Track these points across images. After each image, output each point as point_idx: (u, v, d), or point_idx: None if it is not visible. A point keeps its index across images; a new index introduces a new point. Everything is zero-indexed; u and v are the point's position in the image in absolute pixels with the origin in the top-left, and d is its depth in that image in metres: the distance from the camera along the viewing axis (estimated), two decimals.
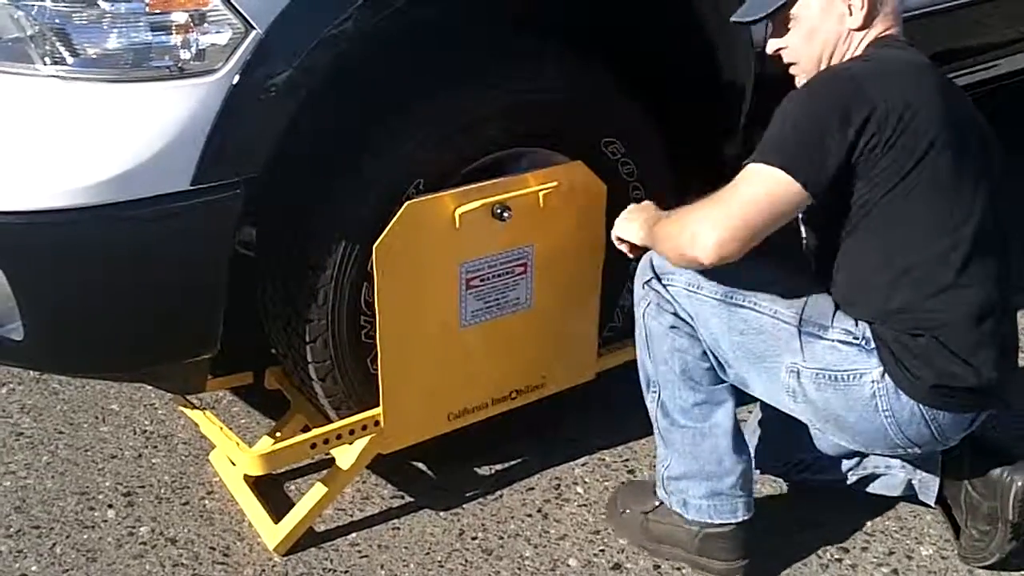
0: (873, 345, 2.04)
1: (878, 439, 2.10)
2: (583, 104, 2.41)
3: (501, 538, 2.46)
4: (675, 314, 2.17)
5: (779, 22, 2.14)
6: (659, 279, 2.18)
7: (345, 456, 2.42)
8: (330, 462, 2.50)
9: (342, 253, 2.22)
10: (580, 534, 2.47)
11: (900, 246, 2.01)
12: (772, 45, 2.17)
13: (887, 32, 2.09)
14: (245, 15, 1.89)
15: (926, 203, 1.98)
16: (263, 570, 2.36)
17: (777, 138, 1.99)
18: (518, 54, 2.34)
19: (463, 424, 2.48)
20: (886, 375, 2.03)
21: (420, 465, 2.67)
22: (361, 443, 2.38)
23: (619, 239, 2.29)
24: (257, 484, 2.57)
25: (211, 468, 2.66)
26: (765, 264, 2.12)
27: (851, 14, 2.06)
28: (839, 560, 2.38)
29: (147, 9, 1.87)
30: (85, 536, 2.45)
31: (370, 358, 2.35)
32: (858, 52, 2.10)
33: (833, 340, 2.07)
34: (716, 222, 1.96)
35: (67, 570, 2.35)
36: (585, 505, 2.56)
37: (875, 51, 2.08)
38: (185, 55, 1.90)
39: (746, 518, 2.26)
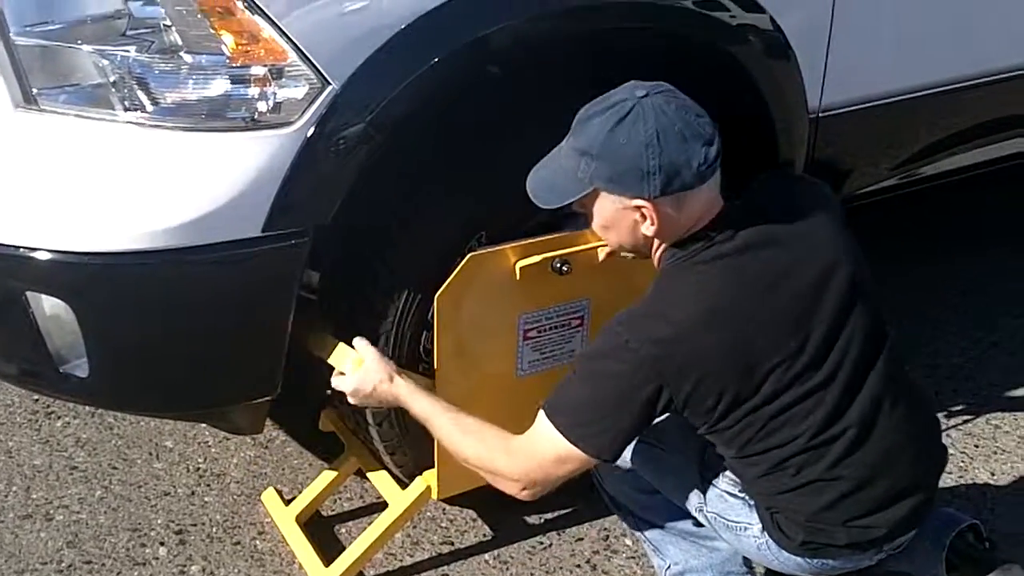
0: (753, 502, 2.01)
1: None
2: None
3: None
4: None
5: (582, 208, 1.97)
6: None
7: (398, 502, 2.43)
8: (382, 505, 2.52)
9: (404, 301, 2.25)
10: None
11: (742, 452, 1.92)
12: (588, 223, 2.02)
13: (700, 226, 1.90)
14: (322, 71, 1.92)
15: (758, 424, 1.88)
16: None
17: (568, 411, 1.89)
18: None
19: None
20: (765, 532, 2.00)
21: (471, 512, 2.68)
22: (415, 489, 2.40)
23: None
24: (308, 526, 2.59)
25: (263, 508, 2.68)
26: None
27: (645, 221, 1.88)
28: None
29: (228, 62, 1.92)
30: (136, 574, 2.48)
31: None
32: (663, 253, 1.95)
33: (722, 490, 2.06)
34: (521, 477, 1.95)
35: None
36: (634, 558, 2.56)
37: (674, 269, 1.92)
38: (262, 107, 1.94)
39: None
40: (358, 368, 2.11)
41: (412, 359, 2.31)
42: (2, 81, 1.98)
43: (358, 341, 2.12)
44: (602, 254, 2.31)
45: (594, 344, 1.95)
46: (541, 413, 1.92)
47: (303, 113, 1.95)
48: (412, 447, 2.42)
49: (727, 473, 2.03)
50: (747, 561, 2.22)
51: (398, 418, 2.37)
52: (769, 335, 1.83)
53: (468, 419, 2.02)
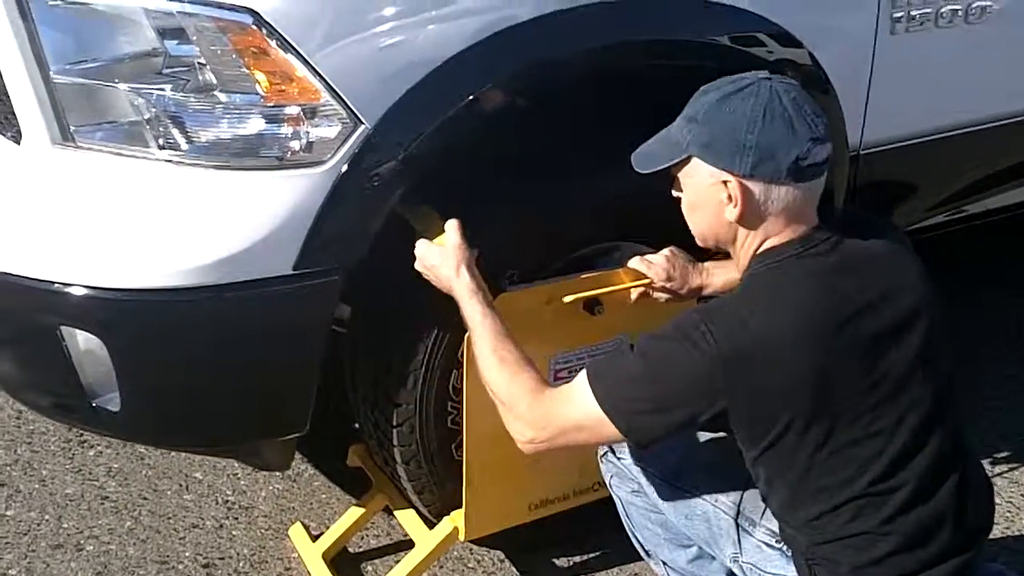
0: (791, 553, 1.93)
1: None
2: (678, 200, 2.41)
3: None
4: (636, 480, 2.12)
5: (676, 177, 1.91)
6: (613, 452, 2.14)
7: (425, 541, 2.42)
8: (409, 543, 2.51)
9: (434, 340, 2.24)
10: None
11: (796, 488, 1.83)
12: (674, 191, 1.94)
13: (791, 235, 1.82)
14: (355, 110, 1.93)
15: (816, 457, 1.78)
16: None
17: (616, 381, 1.80)
18: (617, 151, 2.35)
19: (544, 515, 2.48)
20: None
21: (498, 553, 2.66)
22: (442, 529, 2.39)
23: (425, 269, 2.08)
24: (335, 562, 2.58)
25: (290, 543, 2.68)
26: (708, 443, 2.08)
27: (730, 204, 1.80)
28: None
29: (261, 101, 1.93)
30: None
31: (455, 444, 2.36)
32: (751, 253, 1.85)
33: (759, 540, 1.97)
34: (534, 424, 1.87)
35: None
36: None
37: (765, 274, 1.82)
38: (295, 146, 1.95)
39: None
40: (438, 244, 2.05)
41: (441, 398, 2.31)
42: (40, 118, 2.00)
43: (450, 222, 2.05)
44: (635, 294, 2.29)
45: (665, 327, 1.82)
46: (581, 375, 1.83)
47: (335, 152, 1.96)
48: (440, 486, 2.41)
49: (765, 523, 1.97)
50: None
51: (426, 457, 2.36)
52: (846, 366, 1.75)
53: (510, 349, 1.92)
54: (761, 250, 1.84)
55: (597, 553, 2.67)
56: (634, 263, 2.29)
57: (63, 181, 2.03)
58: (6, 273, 2.05)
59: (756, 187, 1.78)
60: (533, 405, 1.86)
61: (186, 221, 1.97)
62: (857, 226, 1.89)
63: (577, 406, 1.82)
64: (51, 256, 2.02)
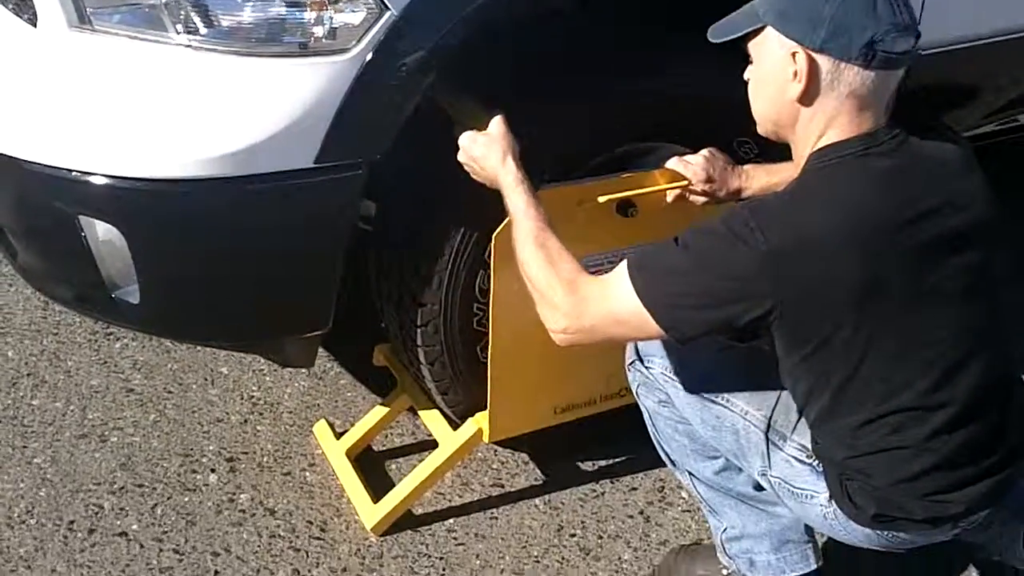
0: (822, 468, 1.87)
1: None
2: (717, 101, 2.32)
3: (600, 538, 2.42)
4: (663, 390, 2.05)
5: (749, 47, 1.83)
6: (641, 360, 2.06)
7: (449, 442, 2.39)
8: (432, 444, 2.48)
9: (461, 239, 2.19)
10: (682, 541, 2.41)
11: (837, 396, 1.76)
12: (746, 72, 1.86)
13: (855, 130, 1.72)
14: None
15: (861, 365, 1.71)
16: (358, 549, 2.36)
17: (658, 273, 1.73)
18: (652, 48, 2.26)
19: (569, 418, 2.44)
20: (833, 501, 1.86)
21: (523, 455, 2.64)
22: (466, 430, 2.36)
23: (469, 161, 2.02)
24: (358, 460, 2.57)
25: (314, 440, 2.66)
26: (740, 354, 2.01)
27: (795, 80, 1.71)
28: None
29: None
30: (186, 499, 2.47)
31: (480, 346, 2.32)
32: (811, 146, 1.76)
33: (789, 455, 1.91)
34: (569, 314, 1.79)
35: (166, 531, 2.38)
36: (689, 511, 2.50)
37: (823, 171, 1.73)
38: (318, 32, 1.88)
39: (819, 565, 2.13)
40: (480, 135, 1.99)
41: (467, 299, 2.26)
42: (57, 1, 1.93)
43: (496, 118, 1.98)
44: (671, 196, 2.22)
45: (712, 221, 1.73)
46: (621, 266, 1.75)
47: (360, 39, 1.88)
48: (465, 388, 2.37)
49: (795, 438, 1.91)
50: (808, 530, 2.12)
51: (451, 358, 2.32)
52: (899, 272, 1.68)
53: (551, 239, 1.86)
54: (821, 144, 1.75)
55: (622, 459, 2.63)
56: (672, 163, 2.22)
57: (80, 66, 1.97)
58: (24, 160, 2.00)
59: (824, 63, 1.69)
60: (570, 294, 1.80)
61: (205, 109, 1.91)
62: (925, 132, 1.79)
63: (615, 298, 1.75)
64: (69, 144, 1.97)
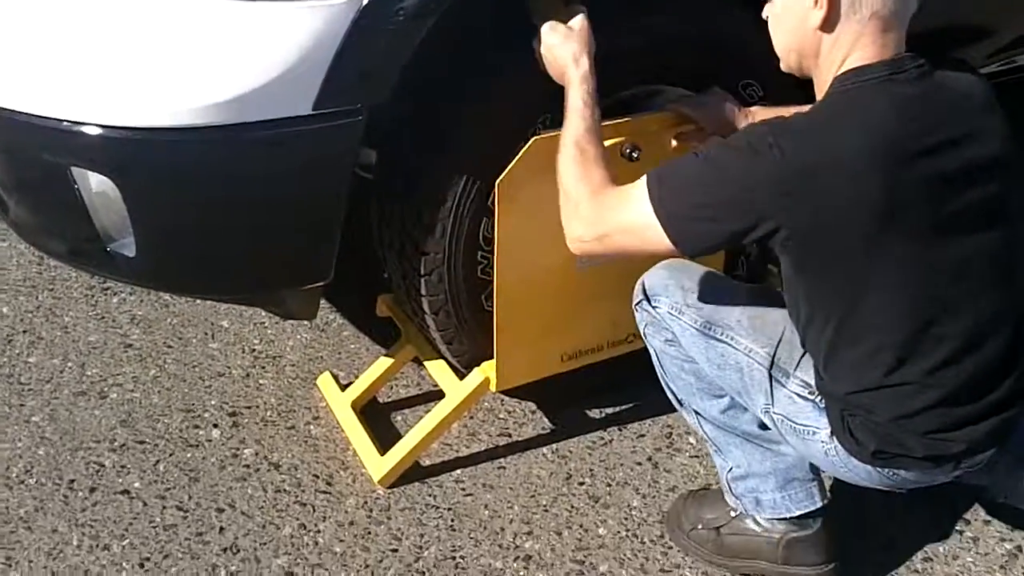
0: (824, 404, 1.86)
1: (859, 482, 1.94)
2: (722, 43, 2.27)
3: (609, 485, 2.39)
4: (670, 329, 2.03)
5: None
6: (648, 300, 2.04)
7: (455, 392, 2.36)
8: (439, 393, 2.45)
9: (463, 186, 2.14)
10: (690, 487, 2.39)
11: (843, 324, 1.75)
12: (764, 10, 1.86)
13: (876, 57, 1.71)
14: None
15: (869, 292, 1.71)
16: (366, 502, 2.33)
17: (677, 185, 1.73)
18: None
19: (576, 366, 2.41)
20: (834, 437, 1.85)
21: (530, 404, 2.61)
22: (473, 380, 2.32)
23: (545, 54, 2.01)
24: (363, 412, 2.54)
25: (318, 392, 2.63)
26: (745, 292, 2.00)
27: (816, 8, 1.71)
28: (930, 560, 2.24)
29: None
30: (189, 455, 2.44)
31: (485, 294, 2.28)
32: (834, 72, 1.75)
33: (791, 391, 1.90)
34: (586, 220, 1.82)
35: (169, 488, 2.35)
36: (697, 457, 2.47)
37: (845, 94, 1.72)
38: None
39: (825, 503, 2.12)
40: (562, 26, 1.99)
41: (471, 247, 2.21)
42: None
43: (579, 8, 2.00)
44: (674, 141, 2.17)
45: (734, 136, 1.78)
46: (643, 178, 1.75)
47: None
48: (470, 337, 2.33)
49: (798, 374, 1.90)
50: (814, 468, 2.10)
51: (455, 307, 2.28)
52: (914, 197, 1.65)
53: (594, 144, 1.89)
54: (844, 69, 1.74)
55: (629, 405, 2.61)
56: (676, 105, 2.17)
57: (68, 13, 1.91)
58: (13, 111, 1.94)
59: None
60: (592, 201, 1.82)
61: (199, 56, 1.85)
62: (947, 66, 1.77)
63: (631, 208, 1.76)
64: (59, 93, 1.90)
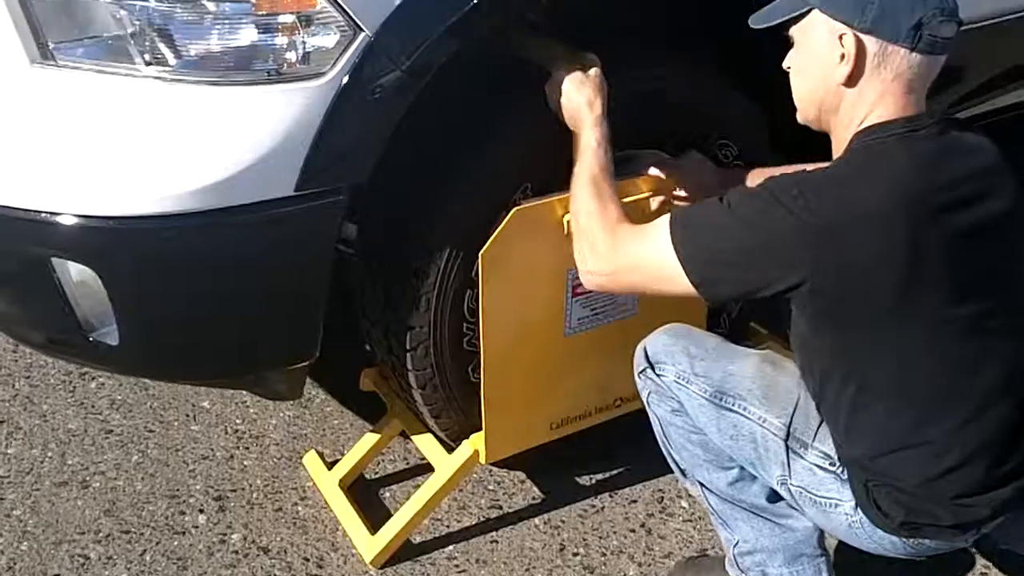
0: (847, 476, 1.84)
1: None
2: (696, 104, 2.29)
3: (603, 555, 2.37)
4: (675, 399, 2.00)
5: (791, 37, 1.84)
6: (652, 368, 2.02)
7: (444, 466, 2.34)
8: (427, 467, 2.43)
9: (447, 259, 2.13)
10: (686, 552, 2.37)
11: (864, 384, 1.75)
12: (785, 61, 1.86)
13: (896, 115, 1.72)
14: (354, 17, 1.79)
15: (890, 350, 1.71)
16: None
17: (701, 228, 1.74)
18: (628, 54, 2.22)
19: (565, 433, 2.39)
20: (859, 509, 1.83)
21: (519, 474, 2.58)
22: (462, 453, 2.30)
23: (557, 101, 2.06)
24: (352, 490, 2.51)
25: (304, 471, 2.60)
26: (753, 359, 1.97)
27: (843, 62, 1.72)
28: None
29: (253, 10, 1.78)
30: (176, 543, 2.40)
31: (471, 366, 2.27)
32: (855, 128, 1.75)
33: (811, 463, 1.87)
34: (602, 255, 1.85)
35: None
36: (690, 521, 2.46)
37: (867, 150, 1.72)
38: (291, 57, 1.82)
39: None
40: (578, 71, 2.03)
41: (456, 319, 2.20)
42: (17, 36, 1.86)
43: (592, 57, 2.05)
44: (655, 203, 2.19)
45: (757, 187, 1.75)
46: (663, 218, 1.76)
47: (335, 63, 1.82)
48: (457, 410, 2.32)
49: (817, 445, 1.86)
50: (821, 543, 2.07)
51: (442, 380, 2.27)
52: (939, 254, 1.65)
53: (609, 184, 1.94)
54: (865, 125, 1.75)
55: (619, 470, 2.59)
56: (655, 169, 2.19)
57: (45, 103, 1.89)
58: None
59: (872, 44, 1.70)
60: (608, 235, 1.85)
61: (177, 142, 1.84)
62: (955, 124, 1.80)
63: (650, 245, 1.77)
64: (36, 184, 1.89)
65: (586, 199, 1.91)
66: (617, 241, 1.83)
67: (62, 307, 1.98)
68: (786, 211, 1.65)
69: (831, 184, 1.69)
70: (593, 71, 2.02)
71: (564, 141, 2.09)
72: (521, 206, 2.07)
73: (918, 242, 1.64)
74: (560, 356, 2.28)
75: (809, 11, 1.75)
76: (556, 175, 2.11)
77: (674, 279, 1.74)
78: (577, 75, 2.02)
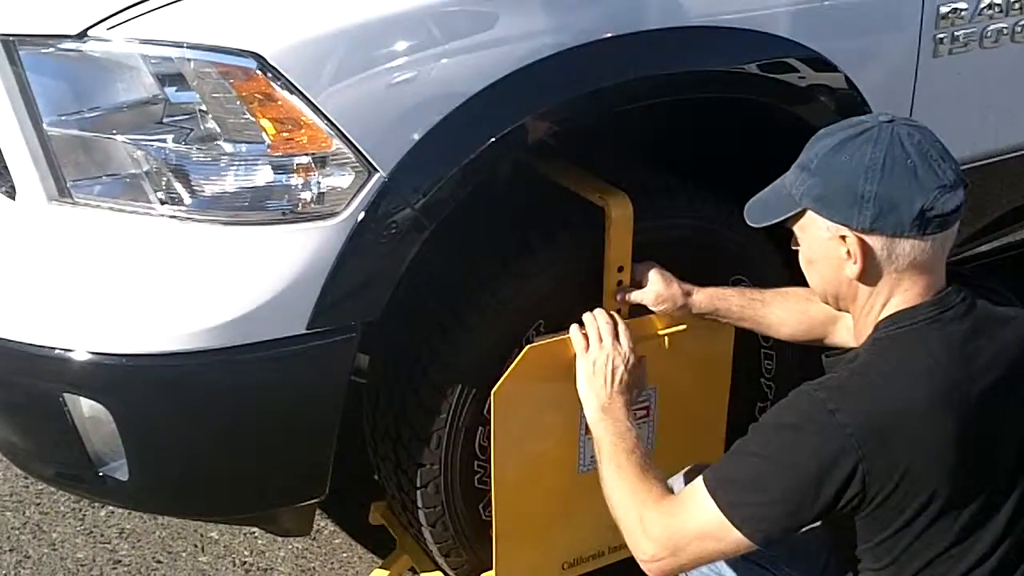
0: None
1: None
2: (711, 240, 2.29)
3: None
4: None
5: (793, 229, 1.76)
6: None
7: None
8: None
9: (458, 396, 2.12)
10: None
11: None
12: (793, 242, 1.79)
13: (921, 298, 1.66)
14: (368, 158, 1.81)
15: (928, 548, 1.64)
16: None
17: (738, 482, 1.65)
18: (644, 190, 2.23)
19: (578, 573, 2.34)
20: None
21: None
22: None
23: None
24: None
25: None
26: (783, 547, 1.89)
27: (849, 260, 1.65)
28: None
29: (268, 151, 1.81)
30: None
31: (483, 504, 2.24)
32: (876, 316, 1.68)
33: None
34: (663, 542, 1.69)
35: None
36: None
37: (896, 340, 1.65)
38: (306, 197, 1.83)
39: None
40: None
41: (466, 457, 2.18)
42: (35, 172, 1.89)
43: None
44: (671, 341, 2.17)
45: (781, 409, 1.66)
46: (698, 482, 1.66)
47: (349, 203, 1.83)
48: (468, 548, 2.28)
49: None
50: None
51: (452, 518, 2.23)
52: (983, 440, 1.60)
53: (630, 465, 1.81)
54: (886, 314, 1.67)
55: None
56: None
57: (60, 239, 1.92)
58: (4, 339, 1.93)
59: (877, 242, 1.62)
60: (651, 520, 1.71)
61: (191, 280, 1.85)
62: (984, 292, 1.74)
63: (699, 516, 1.65)
64: (50, 320, 1.90)
65: (614, 488, 1.81)
66: (662, 523, 1.70)
67: (73, 442, 1.98)
68: (821, 431, 1.58)
69: (864, 385, 1.61)
70: (607, 343, 2.00)
71: (576, 279, 2.10)
72: (534, 343, 2.06)
73: (963, 433, 1.58)
74: (573, 494, 2.24)
75: (804, 211, 1.69)
76: (570, 312, 2.11)
77: (736, 542, 1.63)
78: (586, 365, 2.01)
